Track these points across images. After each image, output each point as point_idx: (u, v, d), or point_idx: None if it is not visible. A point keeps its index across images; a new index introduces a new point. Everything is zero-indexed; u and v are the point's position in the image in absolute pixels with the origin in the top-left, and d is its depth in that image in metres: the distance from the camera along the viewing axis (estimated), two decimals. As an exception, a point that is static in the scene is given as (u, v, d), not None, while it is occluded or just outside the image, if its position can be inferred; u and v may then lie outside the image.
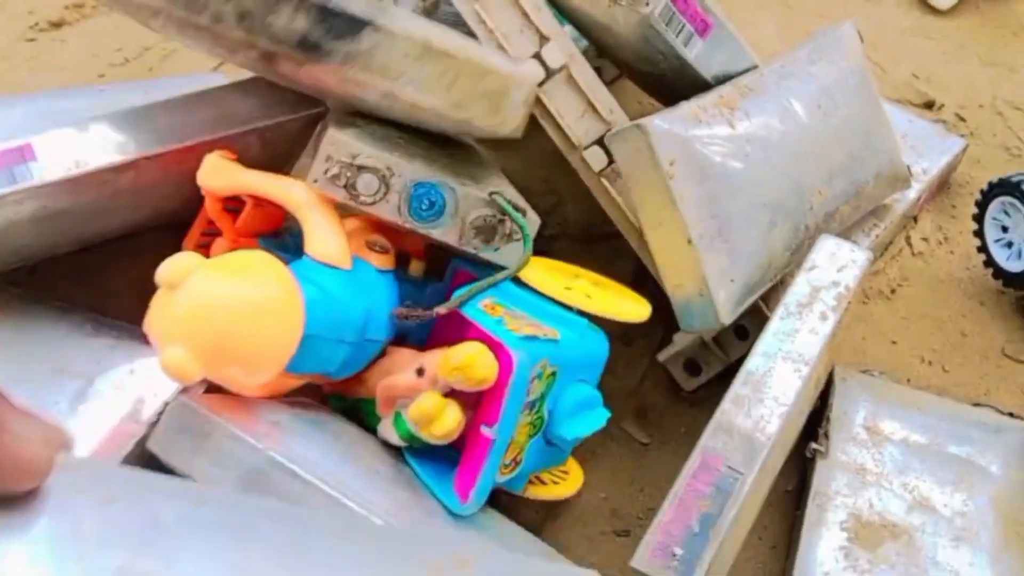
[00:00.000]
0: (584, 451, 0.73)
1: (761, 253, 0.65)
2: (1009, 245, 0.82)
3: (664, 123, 0.61)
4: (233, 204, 0.68)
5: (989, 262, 0.84)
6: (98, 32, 1.08)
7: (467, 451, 0.58)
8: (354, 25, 0.55)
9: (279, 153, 0.73)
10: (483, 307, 0.59)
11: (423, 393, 0.56)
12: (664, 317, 0.68)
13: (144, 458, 0.61)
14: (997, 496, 0.67)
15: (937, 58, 1.12)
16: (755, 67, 0.73)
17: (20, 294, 0.71)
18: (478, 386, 0.55)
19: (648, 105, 0.97)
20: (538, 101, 0.69)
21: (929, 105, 1.05)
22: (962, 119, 1.04)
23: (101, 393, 0.62)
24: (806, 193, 0.68)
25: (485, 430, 0.56)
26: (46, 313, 0.70)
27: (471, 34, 0.70)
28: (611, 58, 0.85)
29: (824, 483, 0.67)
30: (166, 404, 0.61)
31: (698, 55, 0.68)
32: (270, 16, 0.55)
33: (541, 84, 0.68)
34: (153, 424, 0.60)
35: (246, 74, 0.70)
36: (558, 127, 0.70)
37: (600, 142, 0.70)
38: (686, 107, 0.64)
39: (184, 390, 0.62)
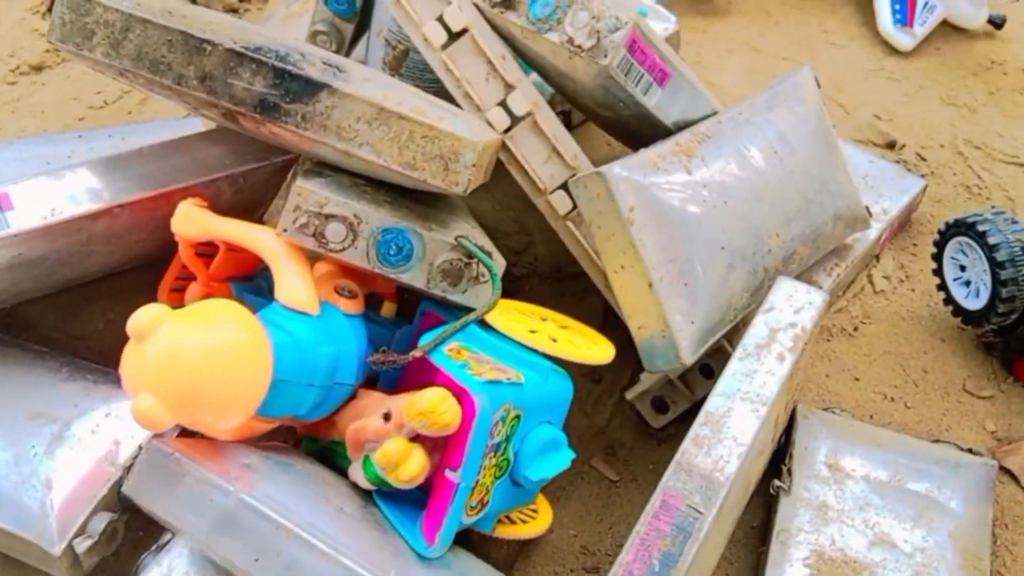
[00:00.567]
0: (554, 489, 0.75)
1: (721, 295, 0.67)
2: (967, 284, 0.84)
3: (623, 170, 0.63)
4: (207, 249, 0.70)
5: (949, 300, 0.86)
6: (78, 76, 1.10)
7: (433, 494, 0.60)
8: (310, 88, 0.58)
9: (251, 198, 0.75)
10: (447, 352, 0.60)
11: (389, 438, 0.58)
12: (632, 356, 0.69)
13: (121, 501, 0.62)
14: (956, 532, 0.69)
15: (899, 99, 1.15)
16: (715, 113, 0.75)
17: (-3, 338, 0.73)
18: (442, 431, 0.56)
19: (619, 148, 1.00)
20: (504, 147, 0.71)
21: (891, 145, 1.08)
22: (923, 159, 1.06)
23: (77, 437, 0.64)
24: (764, 236, 0.70)
25: (450, 474, 0.57)
26: (22, 357, 0.71)
27: (438, 82, 0.72)
28: (575, 105, 0.87)
29: (787, 520, 0.69)
30: (141, 447, 0.62)
31: (658, 103, 0.70)
32: (230, 78, 0.57)
33: (507, 131, 0.70)
34: (128, 467, 0.62)
35: (220, 120, 0.72)
36: (524, 172, 0.72)
37: (565, 186, 0.71)
38: (645, 154, 0.66)
39: (158, 434, 0.63)
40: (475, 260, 0.62)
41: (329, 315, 0.63)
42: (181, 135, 0.76)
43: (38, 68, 1.11)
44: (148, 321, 0.52)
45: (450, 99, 0.72)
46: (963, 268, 0.84)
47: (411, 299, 0.74)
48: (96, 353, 0.76)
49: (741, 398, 0.60)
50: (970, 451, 0.75)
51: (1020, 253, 0.78)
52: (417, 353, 0.60)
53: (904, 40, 1.22)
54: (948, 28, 1.25)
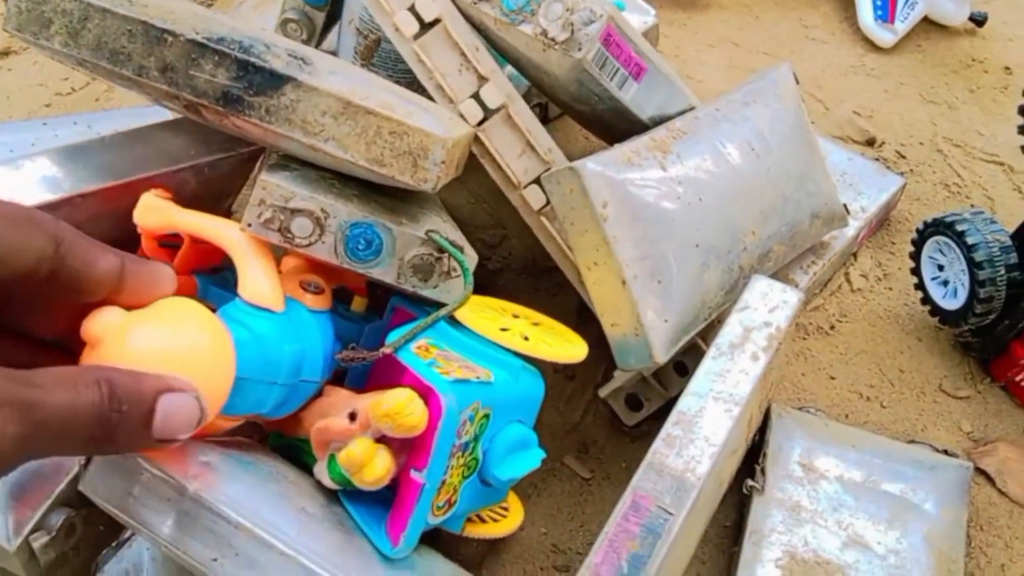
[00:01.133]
0: (526, 486, 0.74)
1: (695, 293, 0.66)
2: (945, 283, 0.84)
3: (597, 165, 0.62)
4: (171, 240, 0.68)
5: (926, 300, 0.85)
6: (45, 61, 1.08)
7: (398, 495, 0.58)
8: (275, 81, 0.56)
9: (218, 189, 0.73)
10: (415, 350, 0.59)
11: (354, 439, 0.56)
12: (606, 352, 0.68)
13: (79, 496, 0.60)
14: (931, 533, 0.68)
15: (879, 96, 1.14)
16: (692, 108, 0.74)
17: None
18: (408, 433, 0.55)
19: (597, 143, 0.98)
20: (478, 140, 0.70)
21: (870, 142, 1.07)
22: (903, 156, 1.05)
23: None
24: (739, 234, 0.69)
25: (415, 474, 0.56)
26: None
27: (411, 73, 0.70)
28: (550, 98, 0.86)
29: (760, 520, 0.68)
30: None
31: (634, 97, 0.69)
32: (192, 70, 0.55)
33: (480, 124, 0.69)
34: (86, 463, 0.60)
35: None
36: (497, 166, 0.70)
37: (539, 181, 0.70)
38: (619, 150, 0.65)
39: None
40: (446, 255, 0.61)
41: (294, 311, 0.62)
42: (147, 124, 0.74)
43: (4, 53, 1.08)
44: (104, 326, 0.50)
45: (422, 91, 0.70)
46: (941, 268, 0.84)
47: (382, 294, 0.72)
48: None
49: (714, 398, 0.59)
50: (945, 452, 0.75)
51: (998, 253, 0.77)
52: (387, 350, 0.59)
53: (885, 37, 1.21)
54: (929, 25, 1.25)
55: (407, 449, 0.58)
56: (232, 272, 0.71)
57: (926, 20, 1.24)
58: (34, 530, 0.59)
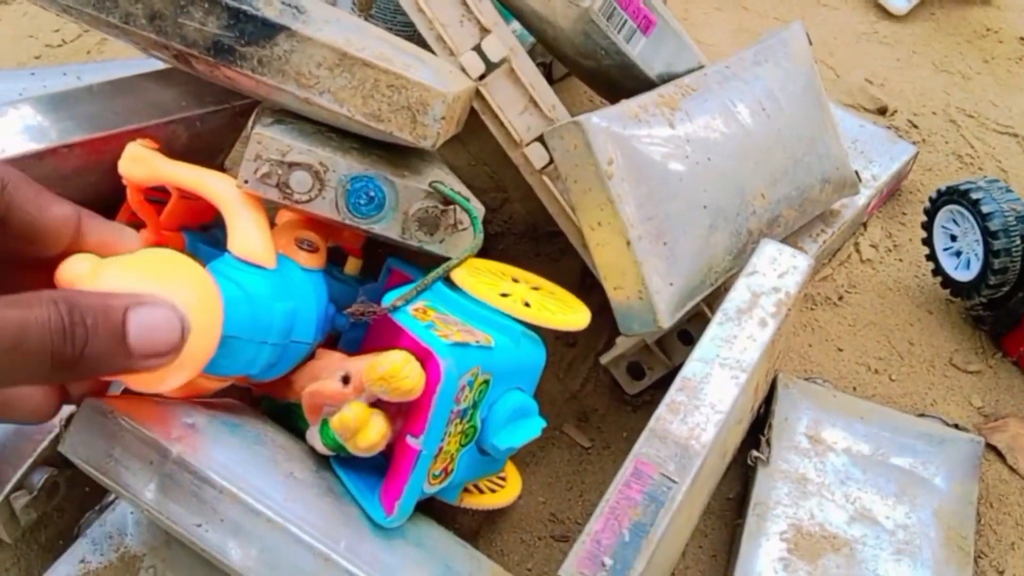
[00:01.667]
0: (524, 455, 0.72)
1: (701, 257, 0.64)
2: (958, 254, 0.81)
3: (602, 121, 0.59)
4: (158, 195, 0.66)
5: (938, 271, 0.83)
6: (35, 12, 1.05)
7: (393, 462, 0.56)
8: (267, 30, 0.53)
9: (210, 143, 0.71)
10: (413, 312, 0.56)
11: (348, 403, 0.54)
12: (608, 319, 0.66)
13: (63, 457, 0.58)
14: (940, 509, 0.66)
15: (891, 64, 1.12)
16: (700, 67, 0.71)
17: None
18: (404, 397, 0.52)
19: (601, 103, 0.96)
20: (479, 95, 0.67)
21: (882, 111, 1.04)
22: (915, 126, 1.03)
23: (15, 388, 0.60)
24: (748, 196, 0.67)
25: (411, 440, 0.54)
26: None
27: (410, 25, 0.68)
28: (554, 54, 0.83)
29: (764, 492, 0.66)
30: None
31: (641, 52, 0.67)
32: (181, 17, 0.53)
33: (482, 78, 0.67)
34: (67, 422, 0.58)
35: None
36: (499, 122, 0.68)
37: (542, 139, 0.68)
38: (626, 105, 0.62)
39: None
40: (452, 206, 0.58)
41: (286, 269, 0.59)
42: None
43: (-7, 4, 1.06)
44: (78, 274, 0.48)
45: (422, 44, 0.68)
46: (954, 238, 0.81)
47: (376, 256, 0.70)
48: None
49: (720, 364, 0.57)
50: (956, 426, 0.72)
51: (1014, 223, 0.75)
52: (398, 302, 0.56)
53: (898, 4, 1.18)
54: (943, -7, 1.22)
55: (403, 415, 0.56)
56: (222, 230, 0.69)
57: (940, -12, 1.21)
58: (15, 489, 0.57)
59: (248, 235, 0.58)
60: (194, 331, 0.51)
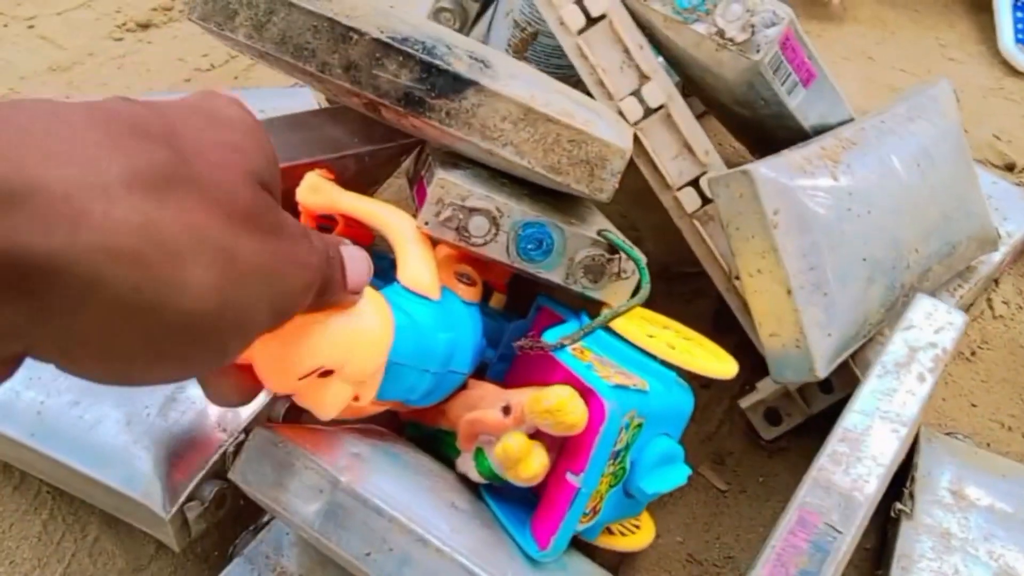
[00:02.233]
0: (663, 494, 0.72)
1: (858, 308, 0.64)
2: (1096, 314, 0.81)
3: (770, 171, 0.61)
4: (326, 222, 0.68)
5: (1073, 330, 0.82)
6: (185, 36, 1.09)
7: (549, 497, 0.57)
8: (458, 84, 0.55)
9: (369, 176, 0.74)
10: (572, 351, 0.58)
11: (510, 433, 0.56)
12: (743, 363, 0.67)
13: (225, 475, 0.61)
14: (1082, 572, 0.65)
15: (1018, 120, 1.11)
16: (851, 119, 0.72)
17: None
18: (567, 431, 0.54)
19: (728, 146, 0.97)
20: (635, 139, 0.69)
21: (1010, 167, 1.04)
22: (1044, 184, 1.02)
23: (191, 399, 0.62)
24: (903, 250, 0.67)
25: (571, 477, 0.55)
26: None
27: (564, 68, 0.69)
28: (703, 98, 0.85)
29: (909, 545, 0.66)
30: (245, 432, 0.61)
31: (799, 104, 0.68)
32: (375, 69, 0.55)
33: (638, 122, 0.68)
34: (238, 442, 0.60)
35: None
36: (653, 166, 0.69)
37: (694, 183, 0.69)
38: (789, 156, 0.63)
39: (272, 401, 0.62)
40: (618, 255, 0.60)
41: (448, 301, 0.61)
42: (293, 104, 0.73)
43: (144, 26, 1.10)
44: None
45: (576, 85, 0.69)
46: (1093, 298, 0.81)
47: (520, 292, 0.72)
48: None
49: (880, 417, 0.57)
50: (1096, 490, 0.72)
51: None
52: (567, 341, 0.58)
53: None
54: (1072, 51, 1.21)
55: (557, 449, 0.57)
56: (377, 256, 0.71)
57: (1069, 46, 1.20)
58: (189, 499, 0.59)
59: (418, 268, 0.60)
60: (370, 350, 0.53)
